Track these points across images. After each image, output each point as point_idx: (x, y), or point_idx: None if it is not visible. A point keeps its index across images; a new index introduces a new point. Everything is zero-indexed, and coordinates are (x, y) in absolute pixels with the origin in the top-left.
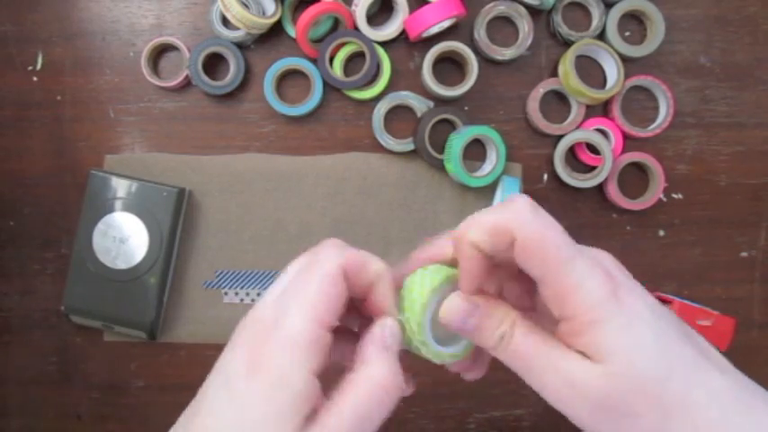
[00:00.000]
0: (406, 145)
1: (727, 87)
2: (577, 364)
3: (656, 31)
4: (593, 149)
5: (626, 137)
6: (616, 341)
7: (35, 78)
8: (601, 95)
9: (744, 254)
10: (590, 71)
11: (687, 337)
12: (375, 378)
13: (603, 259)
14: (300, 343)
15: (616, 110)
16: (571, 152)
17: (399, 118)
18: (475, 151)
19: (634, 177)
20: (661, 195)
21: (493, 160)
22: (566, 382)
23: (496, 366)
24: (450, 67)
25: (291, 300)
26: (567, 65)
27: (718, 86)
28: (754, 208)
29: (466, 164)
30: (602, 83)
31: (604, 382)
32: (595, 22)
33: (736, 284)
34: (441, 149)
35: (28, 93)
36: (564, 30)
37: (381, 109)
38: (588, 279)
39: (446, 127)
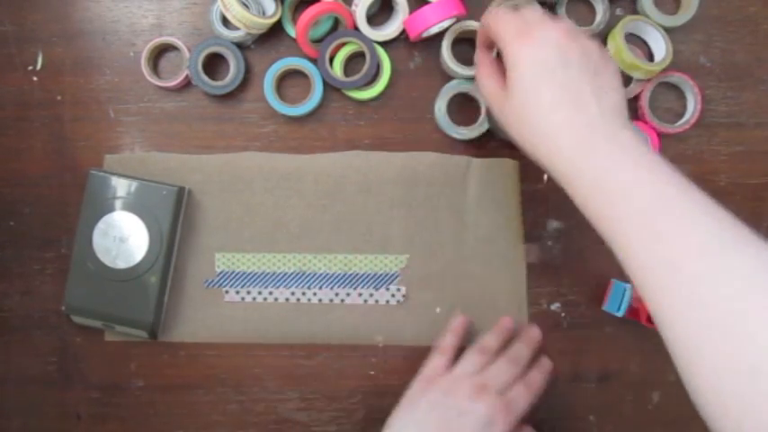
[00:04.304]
0: (474, 130)
1: (727, 87)
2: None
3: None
4: None
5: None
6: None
7: (35, 78)
8: (655, 68)
9: None
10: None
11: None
12: None
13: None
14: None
15: (645, 106)
16: None
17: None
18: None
19: None
20: None
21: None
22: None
23: None
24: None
25: None
26: (618, 40)
27: (718, 86)
28: (755, 208)
29: None
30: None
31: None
32: (599, 16)
33: None
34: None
35: (28, 93)
36: None
37: (442, 107)
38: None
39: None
